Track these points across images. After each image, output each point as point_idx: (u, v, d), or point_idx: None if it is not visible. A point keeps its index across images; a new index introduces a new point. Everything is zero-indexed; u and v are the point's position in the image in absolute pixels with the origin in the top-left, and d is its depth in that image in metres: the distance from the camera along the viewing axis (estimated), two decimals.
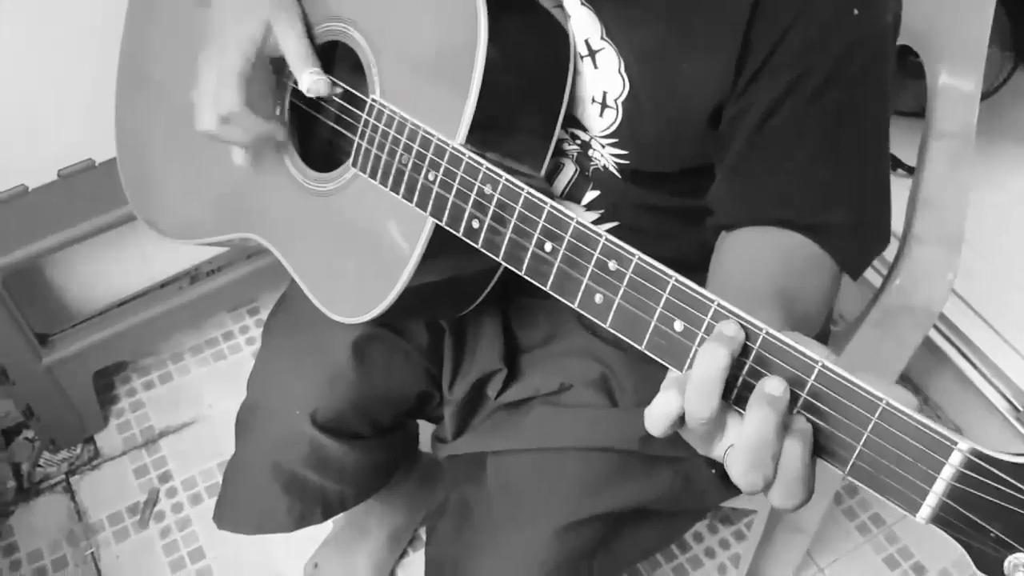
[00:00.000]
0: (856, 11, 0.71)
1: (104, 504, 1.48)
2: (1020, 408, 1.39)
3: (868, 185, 0.79)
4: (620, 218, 0.89)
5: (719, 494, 1.02)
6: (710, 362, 0.50)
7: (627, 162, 0.84)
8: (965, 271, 1.15)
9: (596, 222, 0.90)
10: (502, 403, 0.98)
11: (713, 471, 0.98)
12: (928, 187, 0.99)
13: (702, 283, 0.93)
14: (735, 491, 1.03)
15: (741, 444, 0.49)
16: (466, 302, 0.89)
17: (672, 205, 0.88)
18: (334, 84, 0.85)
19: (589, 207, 0.89)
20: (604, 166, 0.86)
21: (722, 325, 0.51)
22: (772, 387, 0.49)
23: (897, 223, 1.00)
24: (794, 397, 0.47)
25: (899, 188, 1.01)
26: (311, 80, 0.83)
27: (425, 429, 1.16)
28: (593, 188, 0.88)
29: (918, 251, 0.99)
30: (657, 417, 0.53)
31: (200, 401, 1.60)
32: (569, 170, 0.88)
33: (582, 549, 0.93)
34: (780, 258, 0.75)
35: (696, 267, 0.92)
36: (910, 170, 1.34)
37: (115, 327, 1.49)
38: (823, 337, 1.06)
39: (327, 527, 1.33)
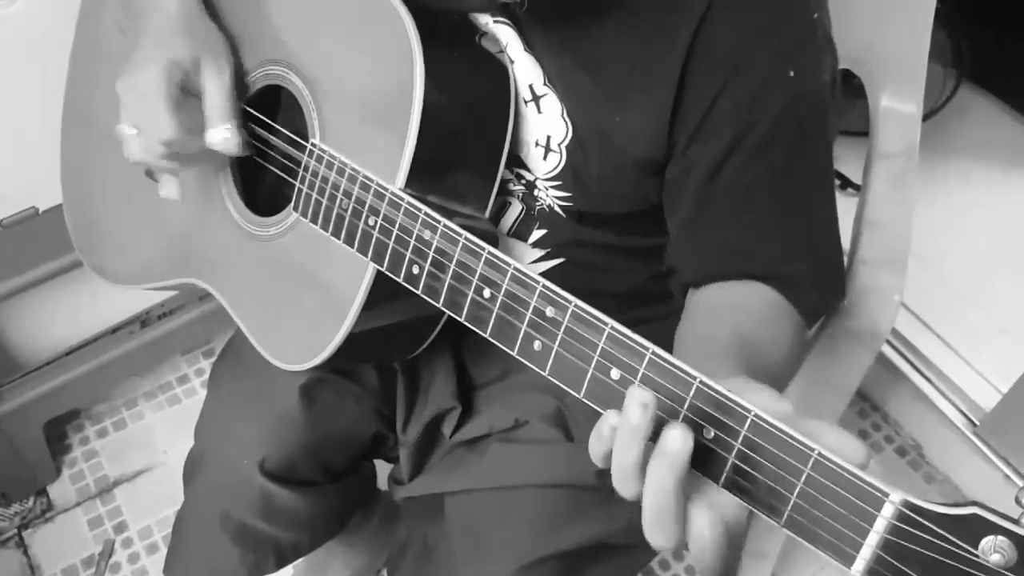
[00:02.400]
0: (792, 72, 0.72)
1: (58, 558, 1.45)
2: (977, 422, 1.40)
3: (820, 238, 0.80)
4: (567, 255, 0.89)
5: None
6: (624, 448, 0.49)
7: (570, 204, 0.84)
8: (918, 287, 1.16)
9: (543, 259, 0.89)
10: (458, 441, 0.97)
11: None
12: (873, 208, 1.00)
13: (652, 316, 0.94)
14: None
15: (644, 503, 0.49)
16: (414, 345, 0.88)
17: (619, 243, 0.88)
18: (274, 130, 0.83)
19: (536, 245, 0.89)
20: (549, 205, 0.86)
21: (630, 395, 0.48)
22: (671, 440, 0.47)
23: (844, 244, 1.00)
24: (727, 447, 0.46)
25: (846, 208, 1.01)
26: (220, 136, 0.79)
27: (383, 468, 1.14)
28: (540, 227, 0.88)
29: (864, 273, 0.99)
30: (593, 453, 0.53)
31: (155, 447, 1.57)
32: (515, 209, 0.88)
33: None
34: (742, 308, 0.75)
35: (644, 301, 0.93)
36: (859, 188, 1.36)
37: (65, 376, 1.46)
38: None
39: (288, 570, 1.31)
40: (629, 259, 0.90)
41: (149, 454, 1.56)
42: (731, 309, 0.75)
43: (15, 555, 1.45)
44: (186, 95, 0.81)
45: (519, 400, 0.95)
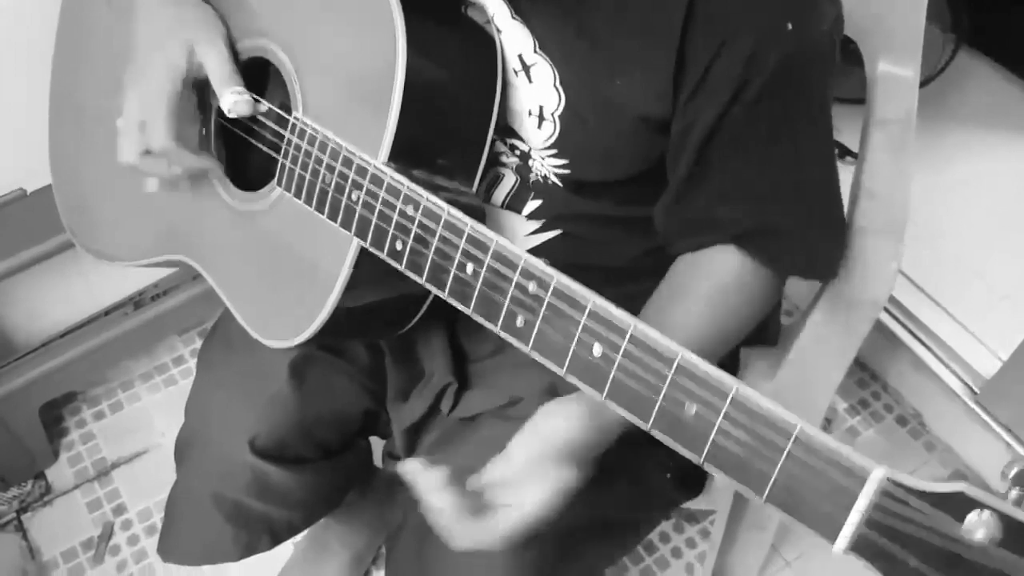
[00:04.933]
0: (790, 25, 0.71)
1: (57, 541, 1.44)
2: (977, 390, 1.39)
3: (812, 191, 0.80)
4: (563, 227, 0.88)
5: (676, 497, 1.01)
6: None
7: (567, 171, 0.82)
8: (917, 256, 1.15)
9: (540, 231, 0.88)
10: (454, 418, 0.96)
11: (668, 475, 0.97)
12: (870, 176, 0.98)
13: (644, 291, 0.93)
14: (692, 494, 1.02)
15: None
16: (402, 321, 0.86)
17: (615, 214, 0.87)
18: (257, 103, 0.83)
19: (531, 217, 0.88)
20: (546, 176, 0.84)
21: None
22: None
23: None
24: (708, 423, 0.45)
25: (843, 177, 1.00)
26: (232, 100, 0.81)
27: (380, 444, 1.14)
28: (534, 198, 0.86)
29: (861, 241, 0.97)
30: None
31: (152, 429, 1.57)
32: (509, 180, 0.87)
33: (542, 564, 0.91)
34: (705, 278, 0.78)
35: (641, 275, 0.91)
36: (856, 156, 1.34)
37: (60, 358, 1.45)
38: (774, 331, 1.05)
39: (289, 549, 1.31)
40: (626, 231, 0.89)
41: (146, 436, 1.56)
42: (698, 275, 0.77)
43: (14, 539, 1.45)
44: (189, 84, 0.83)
45: (513, 377, 0.94)
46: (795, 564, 1.43)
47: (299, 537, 1.18)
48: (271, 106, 0.84)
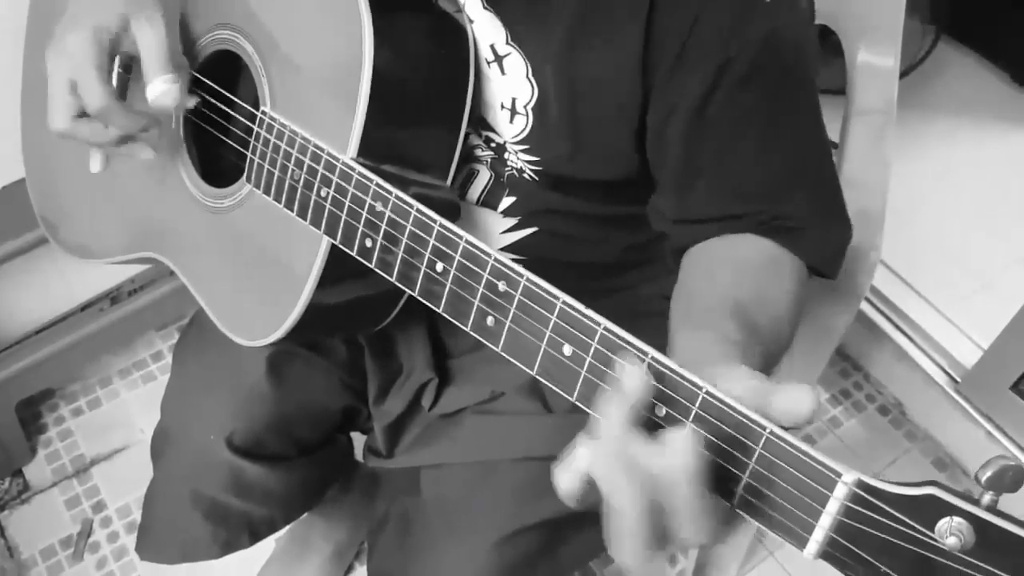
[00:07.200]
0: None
1: (36, 539, 1.43)
2: (959, 380, 1.39)
3: (816, 171, 0.76)
4: (538, 223, 0.86)
5: None
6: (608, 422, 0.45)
7: (540, 168, 0.81)
8: (899, 245, 1.15)
9: (516, 228, 0.87)
10: (436, 414, 0.95)
11: None
12: (850, 165, 0.98)
13: (625, 285, 0.92)
14: None
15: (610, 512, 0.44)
16: (378, 318, 0.85)
17: (591, 211, 0.85)
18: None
19: (506, 213, 0.86)
20: (521, 169, 0.82)
21: (624, 376, 0.45)
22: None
23: None
24: (678, 426, 0.44)
25: None
26: (159, 89, 0.74)
27: (361, 439, 1.13)
28: (509, 194, 0.85)
29: None
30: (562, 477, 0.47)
31: (131, 425, 1.55)
32: (484, 176, 0.85)
33: (523, 558, 0.91)
34: (736, 267, 0.71)
35: (622, 270, 0.90)
36: (836, 146, 1.33)
37: (36, 355, 1.43)
38: None
39: (271, 544, 1.30)
40: (604, 228, 0.87)
41: (126, 432, 1.54)
42: (723, 270, 0.71)
43: None
44: (121, 63, 0.78)
45: (495, 371, 0.93)
46: (778, 554, 1.44)
47: (281, 533, 1.17)
48: (239, 100, 0.82)
